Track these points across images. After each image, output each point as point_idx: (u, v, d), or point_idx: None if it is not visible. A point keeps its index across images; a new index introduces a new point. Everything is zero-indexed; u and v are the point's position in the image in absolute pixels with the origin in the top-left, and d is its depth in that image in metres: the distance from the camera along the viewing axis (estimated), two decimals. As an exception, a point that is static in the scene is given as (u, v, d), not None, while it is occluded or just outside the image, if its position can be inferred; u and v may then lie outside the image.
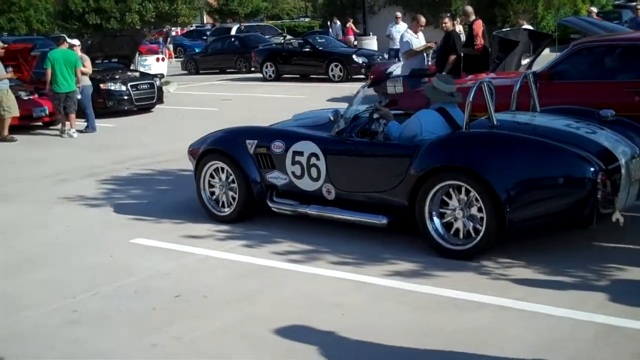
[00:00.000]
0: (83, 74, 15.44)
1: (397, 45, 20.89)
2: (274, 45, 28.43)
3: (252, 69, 27.93)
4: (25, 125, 15.69)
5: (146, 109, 18.30)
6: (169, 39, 39.76)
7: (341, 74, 23.92)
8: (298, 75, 25.59)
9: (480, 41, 12.92)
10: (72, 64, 14.85)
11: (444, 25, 13.08)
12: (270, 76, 25.96)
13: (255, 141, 7.52)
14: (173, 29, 41.63)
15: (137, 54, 22.02)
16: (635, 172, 6.16)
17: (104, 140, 14.41)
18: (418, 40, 13.58)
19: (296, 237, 7.14)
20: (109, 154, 12.75)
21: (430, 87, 6.97)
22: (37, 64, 17.22)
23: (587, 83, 8.92)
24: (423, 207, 6.28)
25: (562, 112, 7.17)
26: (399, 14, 23.09)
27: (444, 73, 12.70)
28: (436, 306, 5.27)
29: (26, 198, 9.75)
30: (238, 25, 42.57)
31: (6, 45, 17.22)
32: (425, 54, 13.68)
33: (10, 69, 15.55)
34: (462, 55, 12.81)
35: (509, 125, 6.53)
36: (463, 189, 6.07)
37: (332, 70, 24.19)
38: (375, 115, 7.15)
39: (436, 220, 6.30)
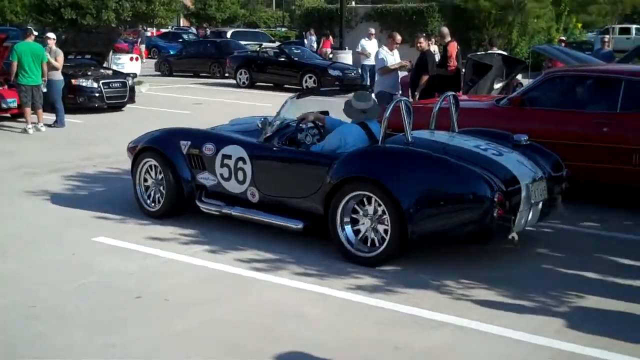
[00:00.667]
0: (54, 68, 15.32)
1: (370, 61, 21.06)
2: (249, 52, 28.45)
3: (226, 74, 27.92)
4: (-8, 115, 15.58)
5: (117, 107, 18.20)
6: (140, 39, 39.52)
7: (315, 86, 23.97)
8: (272, 84, 25.62)
9: (453, 63, 13.05)
10: (39, 57, 14.68)
11: (419, 45, 13.20)
12: (243, 83, 25.96)
13: (189, 142, 7.90)
14: (148, 29, 41.47)
15: (111, 52, 21.89)
16: (536, 194, 6.57)
17: (72, 136, 14.30)
18: (393, 58, 13.69)
19: (261, 245, 7.13)
20: (77, 150, 12.66)
21: (347, 104, 7.29)
22: (8, 55, 17.06)
23: (557, 111, 9.03)
24: (335, 214, 6.64)
25: (479, 134, 7.54)
26: (372, 30, 23.20)
27: (417, 92, 12.87)
28: (397, 322, 5.30)
29: (-11, 189, 9.65)
30: (233, 30, 42.43)
31: (-21, 35, 17.01)
32: (399, 72, 13.78)
33: (-16, 59, 15.43)
34: (435, 75, 12.93)
35: (423, 143, 6.83)
36: (372, 200, 6.39)
37: (306, 81, 24.26)
38: (303, 125, 7.60)
39: (347, 227, 6.64)
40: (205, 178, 7.78)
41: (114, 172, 10.79)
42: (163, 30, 47.60)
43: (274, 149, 7.30)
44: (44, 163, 11.45)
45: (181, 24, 65.32)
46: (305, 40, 33.13)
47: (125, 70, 21.88)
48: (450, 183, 6.23)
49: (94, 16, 24.24)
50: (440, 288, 6.03)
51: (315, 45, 32.04)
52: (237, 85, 25.95)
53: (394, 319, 5.37)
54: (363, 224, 6.56)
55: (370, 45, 22.10)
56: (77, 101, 17.28)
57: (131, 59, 26.28)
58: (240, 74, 26.14)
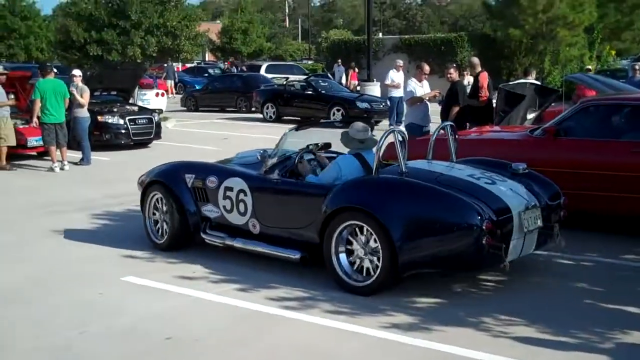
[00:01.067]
0: (80, 105, 15.46)
1: (399, 93, 21.07)
2: (275, 86, 28.63)
3: (253, 109, 28.10)
4: (19, 154, 15.72)
5: (143, 143, 18.37)
6: (165, 74, 39.80)
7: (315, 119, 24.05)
8: (299, 118, 25.73)
9: (485, 93, 13.01)
10: (62, 94, 14.84)
11: (449, 75, 13.18)
12: (270, 117, 26.07)
13: (193, 175, 8.27)
14: (174, 64, 41.91)
15: (136, 88, 22.15)
16: (529, 222, 6.76)
17: (98, 173, 14.41)
18: (422, 89, 13.68)
19: (290, 282, 7.10)
20: (103, 187, 12.74)
21: (344, 134, 7.57)
22: (33, 92, 17.30)
23: (593, 141, 8.95)
24: (330, 243, 6.90)
25: (477, 163, 7.77)
26: (400, 62, 23.18)
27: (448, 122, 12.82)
28: (434, 362, 5.23)
29: (15, 228, 9.72)
30: (268, 64, 42.73)
31: (7, 72, 17.26)
32: (428, 102, 13.76)
33: (12, 96, 15.60)
34: (466, 106, 12.89)
35: (417, 173, 7.04)
36: (365, 229, 6.65)
37: (334, 114, 24.32)
38: (306, 157, 7.92)
39: (342, 256, 6.89)
40: (209, 210, 8.11)
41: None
42: (189, 65, 48.07)
43: (273, 180, 7.60)
44: (70, 201, 11.54)
45: (207, 58, 66.04)
46: (335, 72, 33.28)
47: (151, 106, 22.13)
48: (439, 212, 6.42)
49: (120, 52, 24.58)
50: (477, 325, 5.95)
51: (344, 76, 32.18)
52: (264, 120, 26.08)
53: (429, 357, 5.30)
54: (357, 253, 6.79)
55: (398, 76, 22.13)
56: (103, 138, 17.47)
57: (157, 94, 26.56)
58: (267, 107, 26.29)
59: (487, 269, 6.97)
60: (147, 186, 8.65)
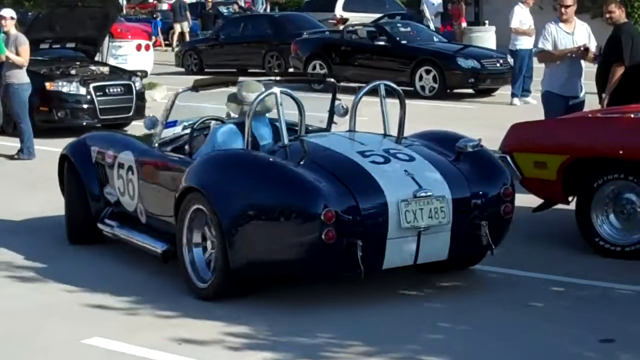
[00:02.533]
0: (15, 66, 15.57)
1: (528, 43, 20.92)
2: (327, 33, 28.63)
3: (291, 69, 28.11)
4: None
5: (117, 125, 18.43)
6: (174, 12, 39.90)
7: (435, 86, 23.92)
8: (364, 84, 25.63)
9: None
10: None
11: (609, 15, 13.01)
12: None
13: (97, 147, 9.71)
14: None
15: (107, 38, 22.30)
16: (419, 217, 7.63)
17: (46, 173, 14.44)
18: (569, 37, 13.45)
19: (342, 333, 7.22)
20: (53, 195, 12.74)
21: (230, 96, 8.92)
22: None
23: None
24: (181, 233, 8.13)
25: (420, 137, 9.05)
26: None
27: (605, 94, 12.62)
28: None
29: None
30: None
31: None
32: (580, 60, 13.52)
33: None
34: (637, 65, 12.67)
35: (296, 148, 8.24)
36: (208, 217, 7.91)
37: (421, 79, 24.17)
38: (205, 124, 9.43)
39: (197, 250, 8.11)
40: (109, 193, 9.61)
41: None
42: (189, 1, 48.48)
43: (154, 154, 9.03)
44: (1, 216, 11.67)
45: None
46: (426, 7, 32.96)
47: (129, 66, 22.28)
48: (274, 196, 7.63)
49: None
50: None
51: (440, 17, 32.05)
52: (309, 87, 26.08)
53: None
54: (208, 247, 8.03)
55: (526, 16, 21.97)
56: (54, 117, 17.69)
57: (139, 47, 26.55)
58: (314, 67, 26.29)
59: (342, 276, 8.04)
60: (60, 160, 10.18)
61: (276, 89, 8.51)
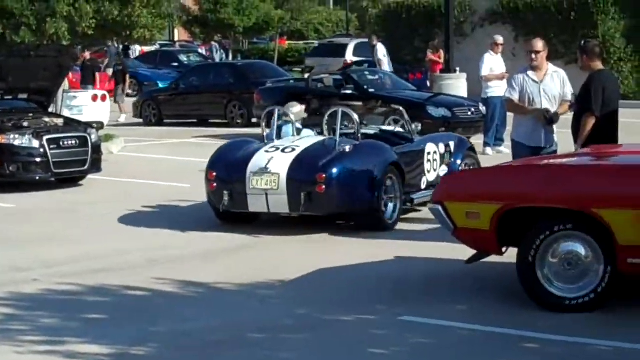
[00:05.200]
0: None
1: (498, 90, 20.95)
2: (292, 82, 28.60)
3: (254, 119, 28.03)
4: None
5: (72, 179, 18.44)
6: (107, 60, 39.88)
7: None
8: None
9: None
10: None
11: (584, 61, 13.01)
12: (283, 134, 26.06)
13: None
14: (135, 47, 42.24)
15: (62, 88, 22.19)
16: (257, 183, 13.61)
17: (-4, 230, 14.38)
18: (536, 86, 13.43)
19: None
20: (4, 254, 12.65)
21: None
22: None
23: None
24: None
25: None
26: (499, 39, 23.01)
27: (577, 144, 12.60)
28: None
29: None
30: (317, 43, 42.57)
31: None
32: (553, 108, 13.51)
33: None
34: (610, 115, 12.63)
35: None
36: None
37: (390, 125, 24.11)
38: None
39: None
40: None
41: (69, 291, 10.81)
42: (147, 49, 48.48)
43: None
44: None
45: (174, 37, 66.63)
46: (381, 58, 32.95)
47: (85, 118, 22.20)
48: None
49: (34, 29, 24.66)
50: None
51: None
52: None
53: None
54: None
55: (497, 63, 22.03)
56: (5, 171, 17.51)
57: (94, 98, 26.43)
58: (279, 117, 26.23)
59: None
60: None
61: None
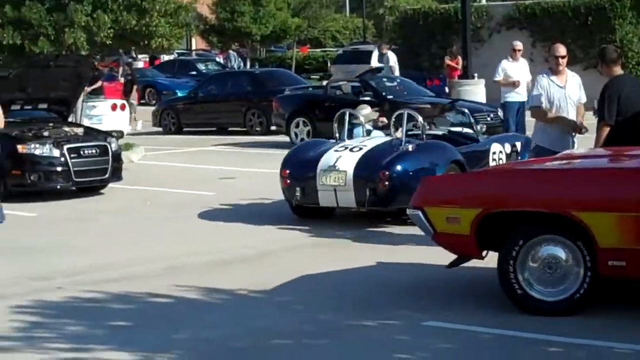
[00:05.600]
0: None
1: (518, 96, 20.95)
2: (310, 89, 28.58)
3: (273, 127, 28.06)
4: None
5: (93, 188, 18.48)
6: (121, 70, 39.89)
7: (424, 141, 23.88)
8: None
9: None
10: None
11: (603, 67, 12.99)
12: (302, 140, 25.91)
13: None
14: (141, 57, 42.23)
15: (81, 98, 22.31)
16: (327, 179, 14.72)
17: (19, 239, 14.39)
18: (560, 90, 13.41)
19: None
20: (27, 263, 12.68)
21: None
22: None
23: None
24: None
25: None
26: (517, 45, 23.02)
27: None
28: None
29: None
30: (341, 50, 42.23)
31: None
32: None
33: None
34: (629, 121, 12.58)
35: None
36: None
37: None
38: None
39: None
40: None
41: (93, 298, 10.84)
42: (166, 58, 48.50)
43: None
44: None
45: (194, 46, 66.63)
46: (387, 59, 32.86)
47: (105, 127, 22.21)
48: None
49: (52, 39, 24.68)
50: None
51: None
52: (292, 144, 25.94)
53: None
54: None
55: (515, 68, 22.02)
56: (26, 180, 17.57)
57: (114, 107, 26.49)
58: (297, 125, 26.25)
59: None
60: None
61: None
